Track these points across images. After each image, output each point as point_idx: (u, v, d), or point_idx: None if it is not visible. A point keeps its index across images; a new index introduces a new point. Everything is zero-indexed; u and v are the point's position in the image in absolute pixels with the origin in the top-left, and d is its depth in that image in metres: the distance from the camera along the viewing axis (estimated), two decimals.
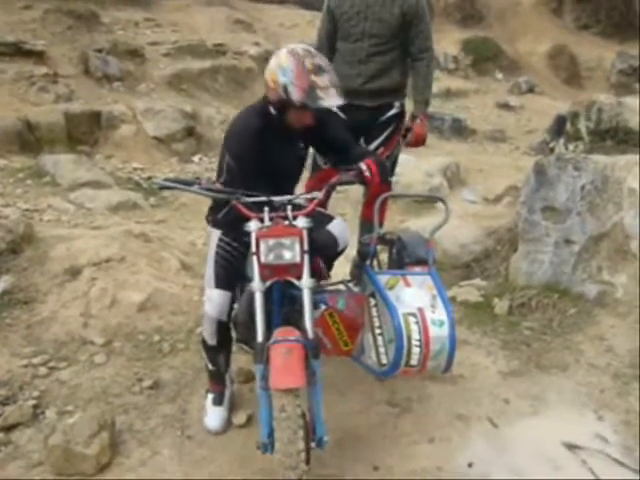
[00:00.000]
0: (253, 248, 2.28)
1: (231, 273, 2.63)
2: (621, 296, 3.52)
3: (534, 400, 2.92)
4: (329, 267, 2.80)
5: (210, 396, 2.75)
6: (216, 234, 2.69)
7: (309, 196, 2.51)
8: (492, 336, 3.47)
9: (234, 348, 2.87)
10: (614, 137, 6.89)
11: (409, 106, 3.48)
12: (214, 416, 2.69)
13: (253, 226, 2.31)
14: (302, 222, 2.31)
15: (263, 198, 2.38)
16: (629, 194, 3.52)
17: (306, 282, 2.28)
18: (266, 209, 2.35)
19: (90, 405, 2.78)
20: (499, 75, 13.15)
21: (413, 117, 3.44)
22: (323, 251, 2.53)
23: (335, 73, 2.42)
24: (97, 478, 2.43)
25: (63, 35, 8.57)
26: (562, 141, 7.62)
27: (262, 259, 2.25)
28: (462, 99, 11.36)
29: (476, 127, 10.14)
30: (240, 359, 3.02)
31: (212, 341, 2.69)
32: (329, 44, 3.45)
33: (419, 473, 2.49)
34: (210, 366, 2.77)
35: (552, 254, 3.74)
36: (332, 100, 2.35)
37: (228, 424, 2.70)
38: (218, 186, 2.43)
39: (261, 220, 2.32)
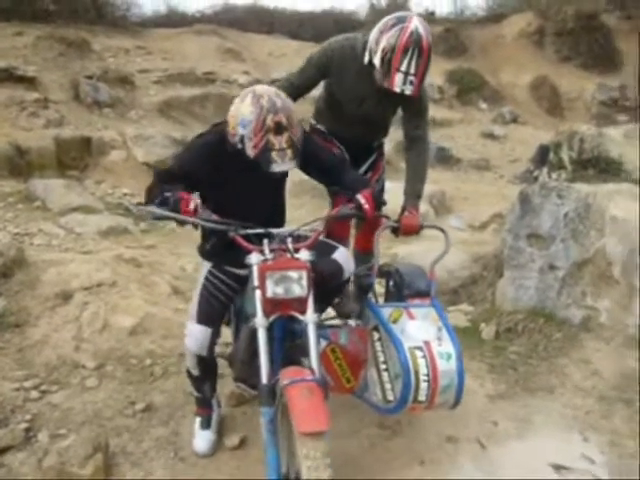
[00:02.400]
0: (256, 282, 2.13)
1: (216, 309, 2.54)
2: (605, 320, 3.59)
3: (521, 422, 2.97)
4: (334, 297, 2.68)
5: (198, 419, 2.76)
6: (206, 266, 2.59)
7: (308, 228, 2.38)
8: (479, 360, 3.52)
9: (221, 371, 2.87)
10: (596, 166, 7.07)
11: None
12: (201, 439, 2.70)
13: (255, 259, 2.18)
14: (305, 255, 2.20)
15: (261, 230, 2.27)
16: (611, 221, 3.62)
17: (311, 317, 2.14)
18: (265, 241, 2.24)
19: (83, 428, 2.77)
20: (483, 105, 13.40)
21: (402, 210, 2.90)
22: (330, 281, 2.42)
23: (298, 127, 2.27)
24: None
25: (54, 61, 8.69)
26: (545, 170, 7.79)
27: (268, 293, 2.11)
28: (447, 128, 11.54)
29: (461, 156, 10.30)
30: (231, 383, 3.04)
31: (195, 372, 2.69)
32: (298, 94, 3.02)
33: None
34: (196, 393, 2.79)
35: (537, 280, 3.82)
36: (286, 165, 2.23)
37: (216, 446, 2.71)
38: (215, 217, 2.26)
39: (261, 252, 2.20)
